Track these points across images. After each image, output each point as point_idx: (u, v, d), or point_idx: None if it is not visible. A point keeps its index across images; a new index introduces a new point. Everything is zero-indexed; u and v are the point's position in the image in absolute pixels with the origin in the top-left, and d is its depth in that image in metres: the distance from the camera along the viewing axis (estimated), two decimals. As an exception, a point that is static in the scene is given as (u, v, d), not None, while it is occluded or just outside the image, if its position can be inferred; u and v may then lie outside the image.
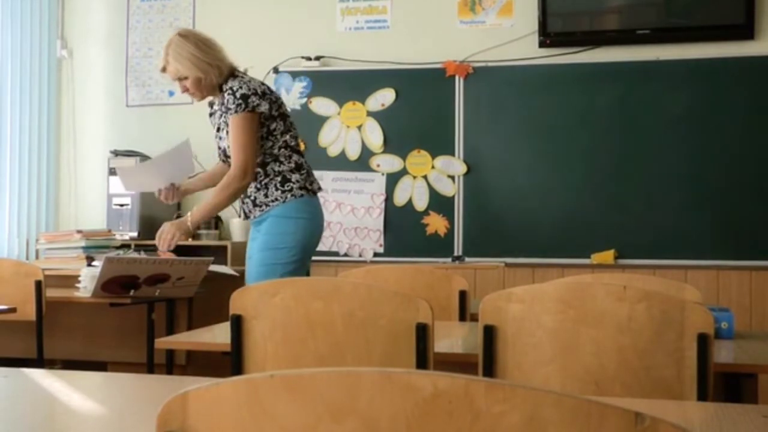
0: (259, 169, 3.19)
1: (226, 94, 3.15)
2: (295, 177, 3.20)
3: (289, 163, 3.22)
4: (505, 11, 4.67)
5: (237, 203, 3.37)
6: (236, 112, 3.11)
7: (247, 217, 3.30)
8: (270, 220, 3.18)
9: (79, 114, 5.24)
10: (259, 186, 3.21)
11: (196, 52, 3.16)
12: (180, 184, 3.42)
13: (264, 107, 3.14)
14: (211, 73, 3.17)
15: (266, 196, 3.19)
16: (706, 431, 1.19)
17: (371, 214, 4.68)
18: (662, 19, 4.44)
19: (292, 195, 3.18)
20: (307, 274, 3.28)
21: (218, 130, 3.28)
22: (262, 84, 3.22)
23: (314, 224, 3.25)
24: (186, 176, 3.49)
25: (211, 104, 3.40)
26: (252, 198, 3.22)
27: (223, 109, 3.18)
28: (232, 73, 3.22)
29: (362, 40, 4.83)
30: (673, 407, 1.37)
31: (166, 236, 3.15)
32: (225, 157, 3.29)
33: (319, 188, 3.31)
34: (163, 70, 3.24)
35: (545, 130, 4.51)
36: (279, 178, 3.19)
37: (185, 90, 3.24)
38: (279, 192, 3.18)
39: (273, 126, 3.19)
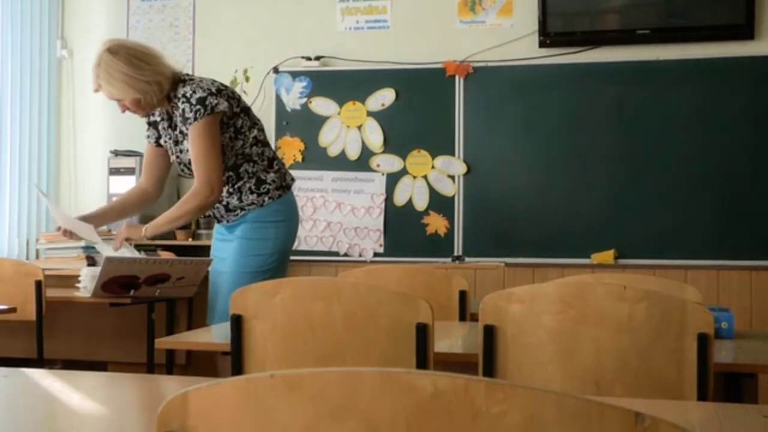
0: (230, 173, 2.96)
1: (180, 104, 2.86)
2: (270, 177, 2.99)
3: (262, 161, 3.00)
4: (505, 11, 4.67)
5: None
6: (196, 119, 2.83)
7: (218, 221, 3.09)
8: (245, 225, 2.99)
9: (79, 114, 5.24)
10: (231, 190, 2.97)
11: (130, 71, 2.82)
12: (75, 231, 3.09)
13: (223, 105, 2.86)
14: (150, 91, 2.85)
15: (240, 200, 2.98)
16: (706, 431, 1.19)
17: (371, 214, 4.68)
18: (662, 19, 4.44)
19: (269, 198, 2.98)
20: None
21: (176, 143, 3.01)
22: (215, 81, 2.95)
23: (291, 224, 3.09)
24: (87, 238, 3.18)
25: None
26: (225, 203, 3.00)
27: (180, 120, 2.91)
28: (177, 80, 2.92)
29: (362, 40, 4.83)
30: (673, 407, 1.37)
31: (118, 236, 3.09)
32: (190, 171, 3.00)
33: (293, 180, 3.11)
34: (96, 91, 2.92)
35: (545, 130, 4.51)
36: (253, 180, 2.97)
37: (125, 109, 2.93)
38: (255, 195, 2.98)
39: (239, 123, 2.94)
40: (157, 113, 3.05)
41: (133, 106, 2.90)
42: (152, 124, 3.10)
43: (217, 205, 3.03)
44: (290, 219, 3.08)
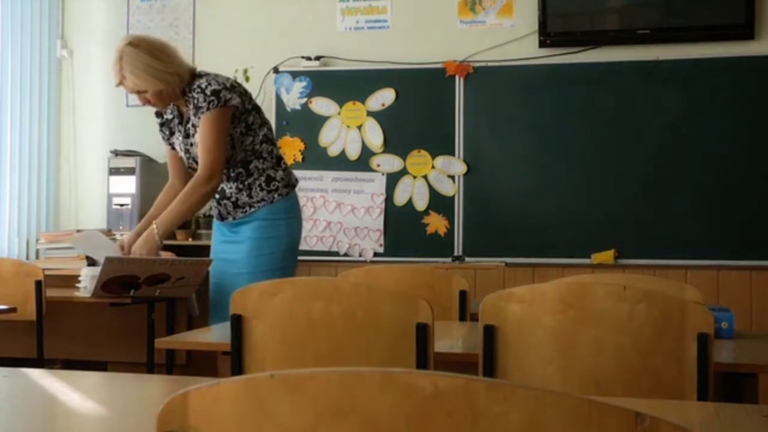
0: (240, 169, 3.03)
1: (194, 94, 2.95)
2: (279, 175, 3.06)
3: (271, 158, 3.07)
4: (505, 11, 4.67)
5: (211, 203, 3.16)
6: (208, 109, 2.91)
7: (223, 219, 3.10)
8: (256, 224, 3.03)
9: (79, 114, 5.24)
10: (241, 186, 3.03)
11: (152, 62, 2.92)
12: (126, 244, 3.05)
13: (236, 100, 2.96)
14: (172, 82, 2.95)
15: (250, 196, 3.03)
16: (706, 431, 1.19)
17: (371, 214, 4.68)
18: (662, 19, 4.44)
19: (279, 194, 3.04)
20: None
21: (187, 136, 3.06)
22: (229, 78, 3.05)
23: (299, 221, 3.16)
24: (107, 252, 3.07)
25: (159, 114, 3.17)
26: (233, 200, 3.05)
27: (193, 110, 2.99)
28: (193, 74, 3.02)
29: (362, 40, 4.83)
30: (673, 407, 1.37)
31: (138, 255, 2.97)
32: (197, 164, 3.03)
33: (297, 180, 3.16)
34: (119, 84, 2.99)
35: (545, 130, 4.51)
36: (263, 178, 3.03)
37: (146, 102, 3.02)
38: (265, 192, 3.03)
39: (250, 120, 3.03)
40: (169, 111, 3.12)
41: (154, 97, 2.98)
42: (164, 124, 3.17)
43: (225, 201, 3.07)
44: (298, 216, 3.16)
